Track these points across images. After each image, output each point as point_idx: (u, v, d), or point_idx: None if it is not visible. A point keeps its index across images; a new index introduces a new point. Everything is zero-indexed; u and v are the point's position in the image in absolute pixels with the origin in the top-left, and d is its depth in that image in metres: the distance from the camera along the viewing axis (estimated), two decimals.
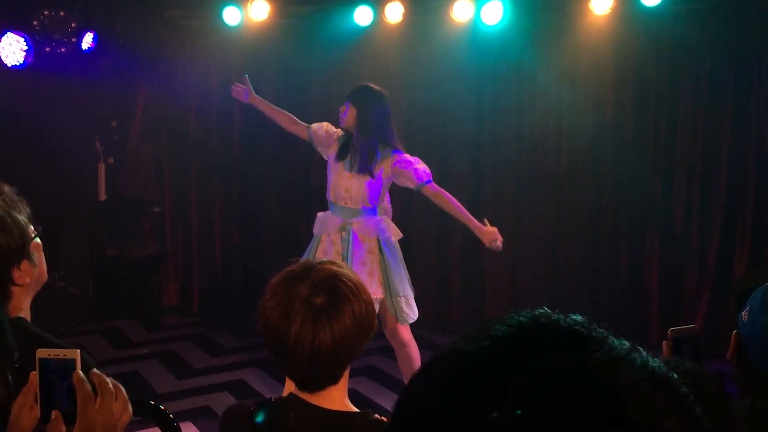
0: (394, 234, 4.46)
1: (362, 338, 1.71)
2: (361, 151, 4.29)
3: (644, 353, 0.65)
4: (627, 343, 0.65)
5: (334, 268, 1.74)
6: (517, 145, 6.11)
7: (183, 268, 6.88)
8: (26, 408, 1.26)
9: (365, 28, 5.99)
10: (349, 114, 4.33)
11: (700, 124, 5.66)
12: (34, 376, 1.27)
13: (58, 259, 5.86)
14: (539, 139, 6.06)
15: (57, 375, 1.26)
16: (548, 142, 6.05)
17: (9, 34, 4.96)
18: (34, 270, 1.85)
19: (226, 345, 6.08)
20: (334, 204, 4.43)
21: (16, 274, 1.80)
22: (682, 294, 5.84)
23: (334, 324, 1.65)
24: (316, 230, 4.53)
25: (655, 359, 0.65)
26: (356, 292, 1.70)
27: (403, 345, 4.47)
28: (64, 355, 1.27)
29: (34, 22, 5.16)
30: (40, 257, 1.87)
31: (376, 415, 1.84)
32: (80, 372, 1.26)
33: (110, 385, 1.28)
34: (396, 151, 4.32)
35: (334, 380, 1.72)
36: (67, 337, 6.07)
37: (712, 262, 5.72)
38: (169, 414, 2.53)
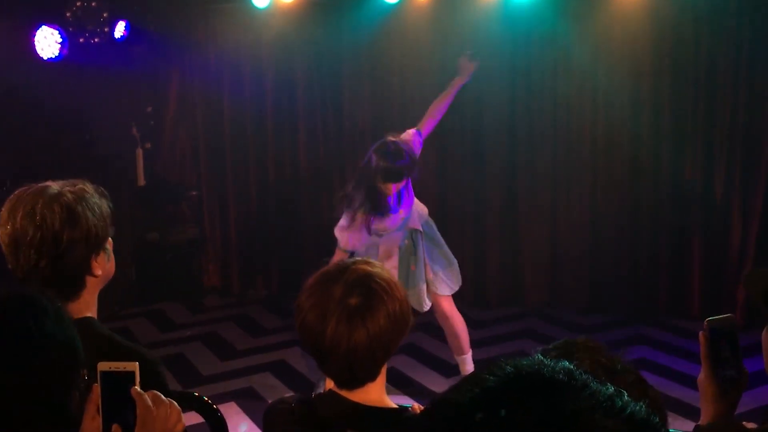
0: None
1: (398, 336, 1.73)
2: None
3: (626, 398, 0.68)
4: (610, 389, 0.69)
5: (368, 268, 1.75)
6: (552, 118, 6.03)
7: (222, 249, 6.98)
8: (88, 419, 1.31)
9: (394, 6, 5.95)
10: None
11: (741, 90, 5.52)
12: (96, 388, 1.33)
13: None
14: (575, 112, 5.98)
15: (117, 387, 1.32)
16: (584, 115, 5.96)
17: (43, 27, 5.04)
18: (107, 264, 1.95)
19: (267, 325, 6.19)
20: None
21: (93, 264, 1.90)
22: (725, 263, 5.75)
23: (368, 324, 1.67)
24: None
25: (638, 404, 0.68)
26: (390, 291, 1.72)
27: (445, 318, 4.63)
28: (124, 368, 1.33)
29: (67, 14, 5.22)
30: (111, 254, 1.98)
31: (412, 409, 1.87)
32: (138, 387, 1.32)
33: (163, 397, 1.34)
34: None
35: (371, 377, 1.74)
36: (113, 320, 6.23)
37: (755, 230, 5.62)
38: (213, 404, 2.58)
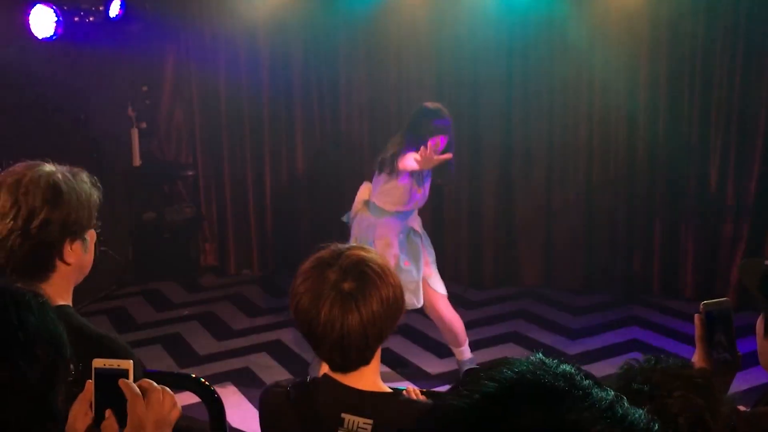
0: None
1: (390, 321, 1.75)
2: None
3: (625, 405, 0.67)
4: (610, 395, 0.68)
5: (362, 253, 1.77)
6: (549, 101, 6.03)
7: (218, 229, 6.99)
8: (81, 414, 1.32)
9: None
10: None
11: (737, 74, 5.52)
12: (90, 384, 1.33)
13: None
14: (571, 95, 5.97)
15: (111, 384, 1.33)
16: (580, 98, 5.96)
17: (38, 6, 5.01)
18: (83, 256, 1.91)
19: (264, 305, 6.21)
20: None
21: (67, 249, 1.85)
22: (719, 246, 5.78)
23: (361, 308, 1.69)
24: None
25: (637, 410, 0.67)
26: (383, 276, 1.74)
27: (441, 320, 4.67)
28: (119, 366, 1.34)
29: None
30: (91, 247, 1.94)
31: (406, 392, 1.89)
32: (125, 379, 1.33)
33: (155, 384, 1.34)
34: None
35: (365, 361, 1.76)
36: (110, 300, 6.25)
37: (748, 212, 5.65)
38: (209, 385, 2.59)
